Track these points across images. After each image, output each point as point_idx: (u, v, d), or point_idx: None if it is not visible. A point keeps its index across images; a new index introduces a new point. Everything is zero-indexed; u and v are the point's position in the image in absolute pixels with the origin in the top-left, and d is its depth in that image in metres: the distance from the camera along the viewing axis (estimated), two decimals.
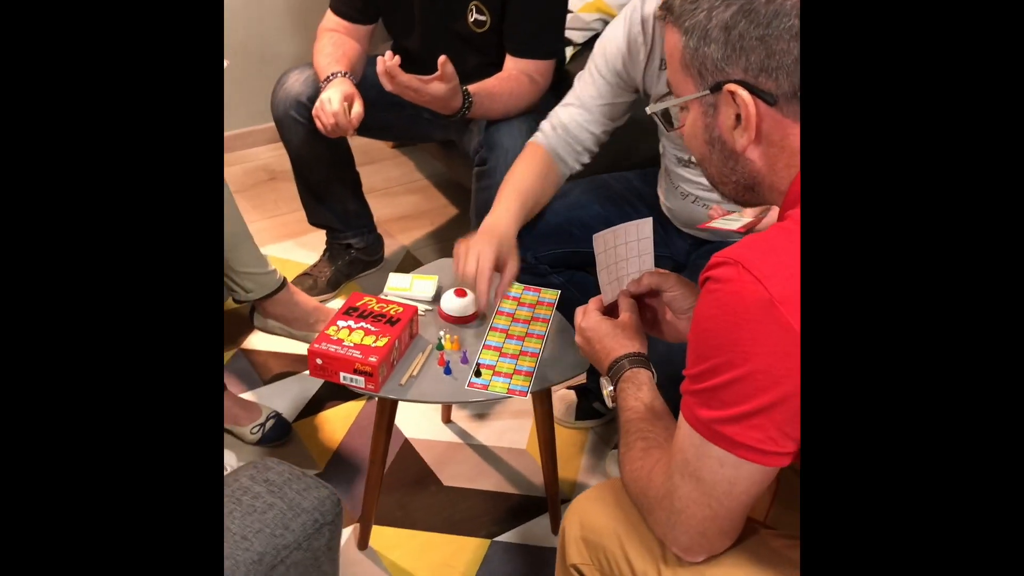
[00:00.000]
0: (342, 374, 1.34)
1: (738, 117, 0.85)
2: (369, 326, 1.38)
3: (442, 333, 1.44)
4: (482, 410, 1.91)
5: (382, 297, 1.47)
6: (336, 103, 1.73)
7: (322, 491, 0.91)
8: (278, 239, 2.41)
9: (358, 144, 2.17)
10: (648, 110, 0.99)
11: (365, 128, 2.05)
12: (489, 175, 1.81)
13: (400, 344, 1.39)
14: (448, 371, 1.38)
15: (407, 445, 1.81)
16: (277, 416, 1.80)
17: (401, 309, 1.42)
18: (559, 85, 1.90)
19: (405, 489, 1.72)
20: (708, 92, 0.86)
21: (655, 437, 0.95)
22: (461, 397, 1.35)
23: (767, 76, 0.82)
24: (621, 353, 1.07)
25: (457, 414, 1.89)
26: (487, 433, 1.86)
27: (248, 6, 2.58)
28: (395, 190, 2.67)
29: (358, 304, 1.43)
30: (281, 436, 1.79)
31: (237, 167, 2.70)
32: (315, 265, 2.23)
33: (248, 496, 0.88)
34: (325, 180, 2.08)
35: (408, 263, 2.34)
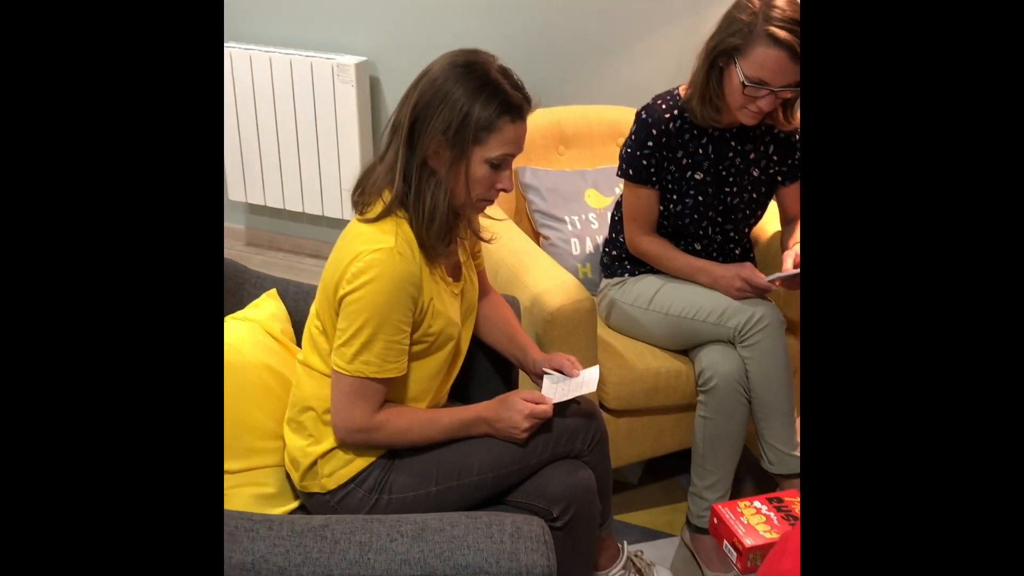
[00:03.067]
0: (725, 541, 1.43)
1: None
2: (774, 518, 1.43)
3: None
4: None
5: None
6: None
7: (543, 560, 1.09)
8: None
9: None
10: None
11: None
12: None
13: None
14: None
15: None
16: None
17: None
18: None
19: None
20: None
21: None
22: None
23: None
24: None
25: None
26: None
27: None
28: None
29: (786, 499, 1.48)
30: None
31: None
32: None
33: (496, 527, 1.13)
34: None
35: None
